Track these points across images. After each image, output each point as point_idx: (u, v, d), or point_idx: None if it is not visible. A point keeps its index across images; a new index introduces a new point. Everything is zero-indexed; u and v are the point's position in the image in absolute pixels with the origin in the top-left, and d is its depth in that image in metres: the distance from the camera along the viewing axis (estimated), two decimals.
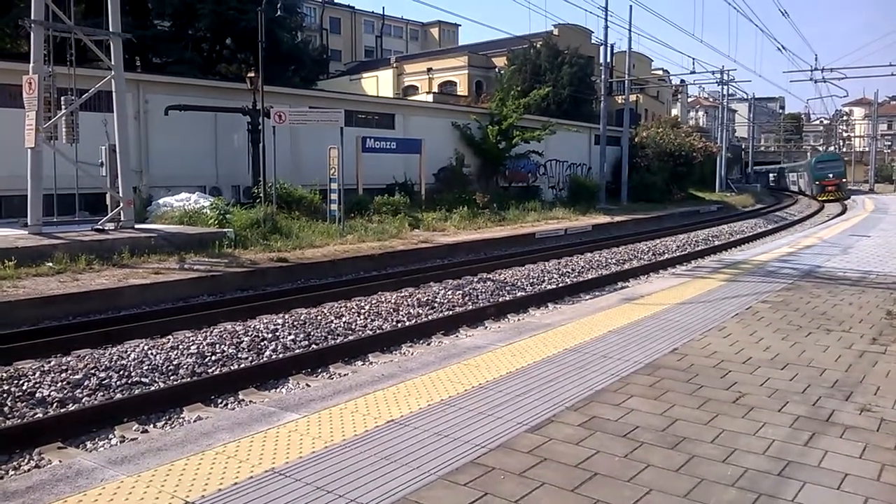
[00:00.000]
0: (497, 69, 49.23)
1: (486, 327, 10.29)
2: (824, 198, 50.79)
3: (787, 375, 5.18)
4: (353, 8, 70.96)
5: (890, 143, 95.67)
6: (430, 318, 10.75)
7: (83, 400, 7.00)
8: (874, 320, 7.12)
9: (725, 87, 55.36)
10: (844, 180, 55.12)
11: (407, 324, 10.34)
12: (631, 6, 60.41)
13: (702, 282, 9.73)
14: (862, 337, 6.40)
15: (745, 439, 3.96)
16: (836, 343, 6.17)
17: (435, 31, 76.80)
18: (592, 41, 50.06)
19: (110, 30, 15.25)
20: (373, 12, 72.56)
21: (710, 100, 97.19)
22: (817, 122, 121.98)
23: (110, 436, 6.18)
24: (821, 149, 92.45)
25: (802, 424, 4.19)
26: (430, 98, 41.46)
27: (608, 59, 37.12)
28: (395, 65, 55.02)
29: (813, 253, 13.09)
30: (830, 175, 53.43)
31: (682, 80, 75.90)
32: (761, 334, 6.51)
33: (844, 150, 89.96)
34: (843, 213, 33.95)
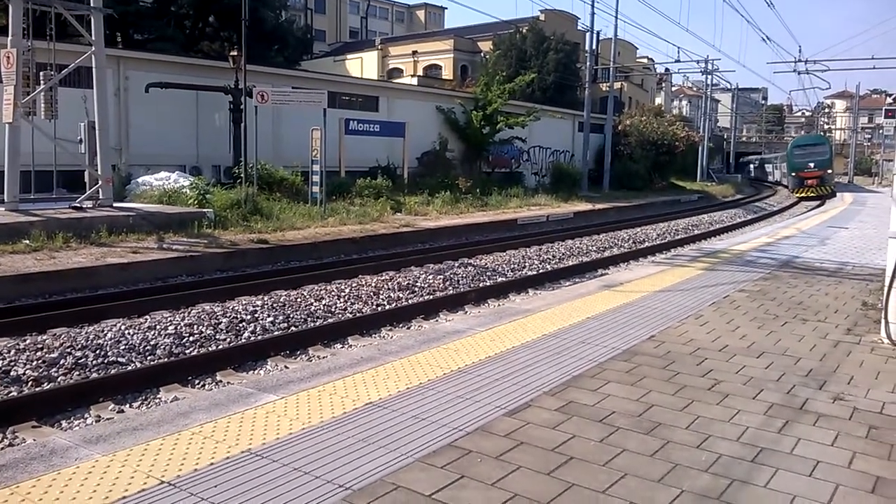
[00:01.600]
0: (483, 54, 49.11)
1: (467, 312, 10.30)
2: (802, 193, 40.81)
3: (762, 364, 5.24)
4: None
5: (870, 135, 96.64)
6: (410, 302, 10.75)
7: (59, 379, 6.94)
8: (849, 311, 7.21)
9: (709, 77, 55.59)
10: (829, 171, 42.45)
11: (387, 307, 10.34)
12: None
13: (681, 270, 9.80)
14: (837, 327, 6.48)
15: (720, 426, 4.00)
16: (812, 333, 6.24)
17: (421, 14, 76.40)
18: (578, 27, 50.07)
19: (91, 4, 15.01)
20: None
21: (694, 89, 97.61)
22: (799, 113, 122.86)
23: (86, 415, 6.13)
24: None
25: (776, 412, 4.24)
26: (414, 81, 41.32)
27: (594, 46, 37.10)
28: (379, 47, 54.71)
29: (791, 243, 13.21)
30: (811, 164, 41.40)
31: (667, 69, 76.11)
32: (738, 323, 6.57)
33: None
34: (821, 204, 33.44)
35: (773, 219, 29.13)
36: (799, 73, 40.95)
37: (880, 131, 69.98)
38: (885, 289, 5.83)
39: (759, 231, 15.91)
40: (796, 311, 7.11)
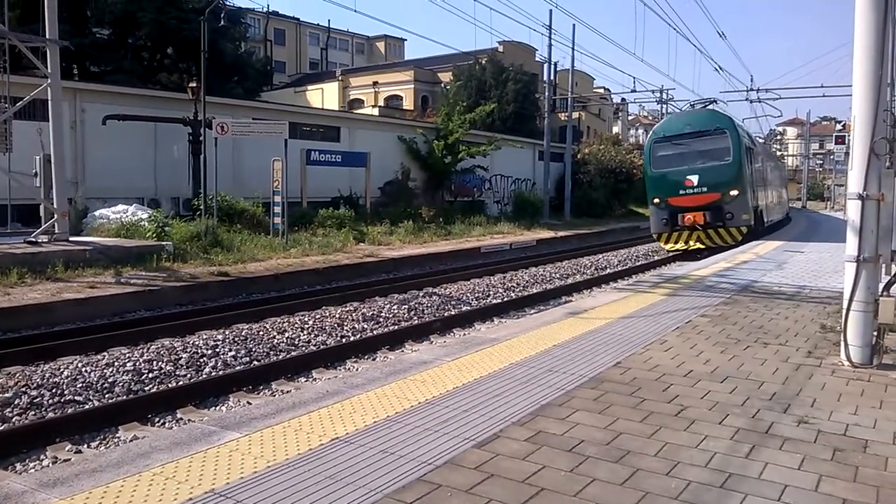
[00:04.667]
0: (443, 84, 49.51)
1: (432, 342, 10.25)
2: (676, 243, 21.24)
3: (726, 388, 5.28)
4: (298, 20, 70.57)
5: (822, 161, 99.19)
6: (375, 332, 10.66)
7: (13, 419, 6.72)
8: (809, 334, 7.32)
9: (664, 106, 56.65)
10: (735, 192, 20.12)
11: (352, 339, 10.24)
12: (574, 25, 61.28)
13: (643, 296, 9.89)
14: (798, 350, 6.57)
15: (688, 452, 4.01)
16: (774, 356, 6.32)
17: (381, 45, 76.91)
18: (536, 58, 50.77)
19: (47, 36, 14.81)
20: (318, 24, 72.25)
21: (650, 118, 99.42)
22: None
23: (42, 457, 5.93)
24: None
25: (743, 437, 4.26)
26: (376, 112, 41.46)
27: (552, 77, 37.65)
28: (340, 78, 54.89)
29: (749, 268, 13.43)
30: (693, 179, 20.37)
31: (623, 99, 77.42)
32: (701, 348, 6.63)
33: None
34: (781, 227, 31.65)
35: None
36: (751, 102, 41.65)
37: (831, 157, 71.84)
38: (844, 311, 5.93)
39: (718, 256, 16.16)
40: (757, 335, 7.20)
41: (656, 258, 22.66)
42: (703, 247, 20.45)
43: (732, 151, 20.20)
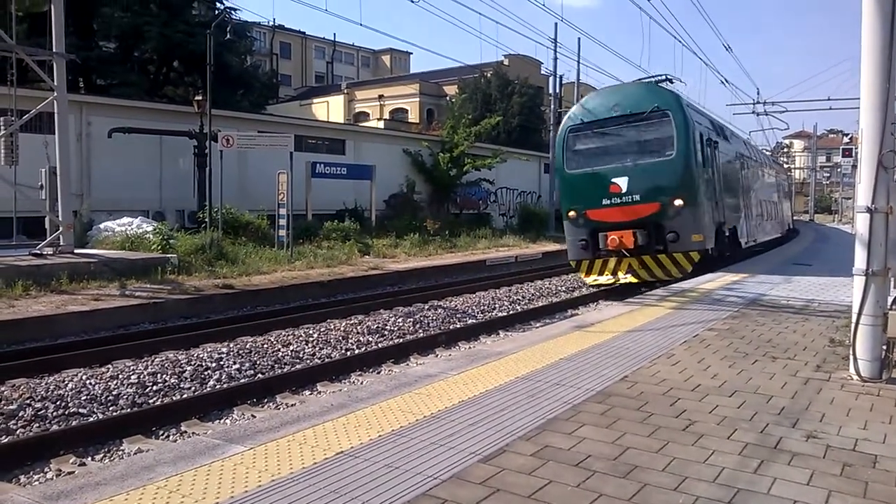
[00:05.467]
0: (448, 97, 49.71)
1: (437, 355, 10.21)
2: (598, 276, 15.52)
3: (735, 403, 5.23)
4: (303, 33, 70.96)
5: (829, 174, 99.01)
6: (380, 346, 10.63)
7: (17, 432, 6.69)
8: (818, 348, 7.27)
9: None
10: (680, 202, 14.27)
11: (356, 352, 10.20)
12: (580, 38, 61.97)
13: (650, 309, 9.84)
14: (806, 364, 6.52)
15: (696, 467, 3.97)
16: (782, 370, 6.27)
17: (386, 59, 77.26)
18: (542, 72, 50.90)
19: (54, 50, 14.90)
20: (324, 38, 72.66)
21: None
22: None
23: (46, 469, 5.90)
24: None
25: (751, 452, 4.22)
26: (381, 125, 41.61)
27: (557, 90, 37.75)
28: (346, 91, 55.11)
29: (757, 281, 13.37)
30: (621, 183, 14.65)
31: None
32: (709, 362, 6.58)
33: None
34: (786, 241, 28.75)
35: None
36: (758, 115, 41.67)
37: (838, 170, 71.75)
38: (852, 325, 5.89)
39: (724, 269, 16.09)
40: (766, 349, 7.15)
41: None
42: (635, 281, 14.86)
43: (678, 142, 14.38)
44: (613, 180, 14.67)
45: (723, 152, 17.51)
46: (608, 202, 14.73)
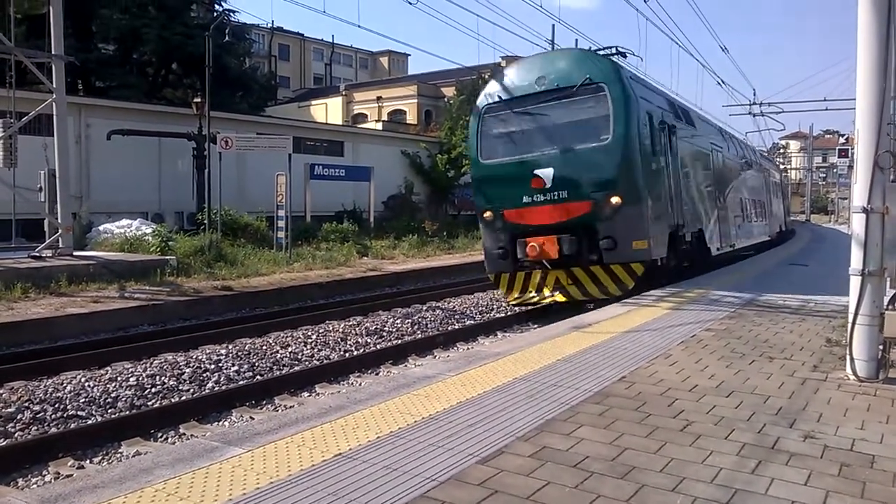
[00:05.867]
0: (446, 99, 49.70)
1: (436, 356, 10.22)
2: (519, 296, 12.75)
3: (732, 403, 5.24)
4: (302, 35, 70.99)
5: (825, 174, 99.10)
6: (378, 347, 10.64)
7: (16, 434, 6.70)
8: (814, 348, 7.28)
9: None
10: (617, 199, 11.56)
11: (355, 353, 10.21)
12: (577, 40, 61.76)
13: (648, 310, 9.85)
14: (803, 364, 6.53)
15: (694, 468, 3.97)
16: (779, 370, 6.28)
17: (384, 60, 77.29)
18: None
19: (52, 52, 14.91)
20: (322, 40, 72.70)
21: None
22: None
23: (44, 472, 5.91)
24: None
25: (749, 452, 4.23)
26: (379, 126, 41.61)
27: None
28: (344, 92, 55.13)
29: (754, 282, 13.38)
30: (544, 175, 11.90)
31: None
32: (706, 362, 6.59)
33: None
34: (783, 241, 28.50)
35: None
36: (754, 116, 41.61)
37: (834, 170, 71.81)
38: (849, 325, 5.90)
39: (720, 269, 16.10)
40: (763, 350, 7.16)
41: None
42: (563, 300, 12.15)
43: (615, 124, 11.63)
44: (536, 172, 11.94)
45: (684, 139, 14.74)
46: (529, 200, 12.03)
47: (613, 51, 13.85)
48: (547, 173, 11.88)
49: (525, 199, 12.07)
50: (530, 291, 12.57)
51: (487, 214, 12.68)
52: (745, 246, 20.14)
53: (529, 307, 12.89)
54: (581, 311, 10.35)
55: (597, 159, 11.75)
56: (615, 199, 11.58)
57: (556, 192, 11.83)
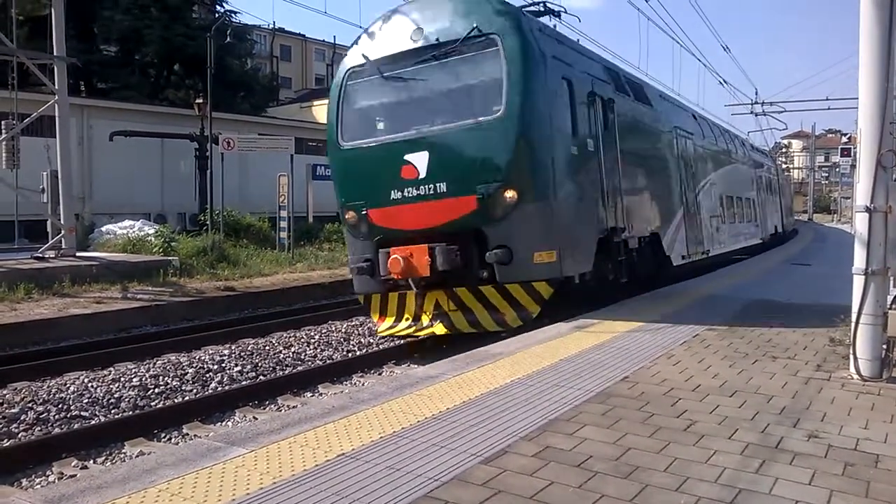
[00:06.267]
0: None
1: (439, 357, 10.19)
2: (395, 327, 9.91)
3: (735, 403, 5.23)
4: (303, 36, 71.01)
5: (827, 174, 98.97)
6: (381, 347, 10.63)
7: (19, 435, 6.71)
8: (818, 347, 7.27)
9: None
10: (512, 194, 8.73)
11: (358, 353, 10.20)
12: (578, 40, 61.70)
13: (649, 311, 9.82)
14: (807, 364, 6.52)
15: (698, 467, 3.97)
16: (782, 370, 6.27)
17: None
18: None
19: (54, 54, 14.93)
20: (324, 41, 72.70)
21: None
22: None
23: (48, 472, 5.91)
24: None
25: (753, 452, 4.22)
26: None
27: None
28: None
29: (756, 282, 13.37)
30: (420, 175, 9.10)
31: None
32: (709, 362, 6.58)
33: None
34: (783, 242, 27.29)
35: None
36: (756, 115, 41.60)
37: (837, 169, 71.71)
38: (852, 325, 5.89)
39: (723, 270, 16.08)
40: (766, 349, 7.15)
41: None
42: (445, 332, 9.45)
43: (510, 91, 8.83)
44: (407, 158, 9.17)
45: (631, 119, 11.89)
46: (399, 196, 9.28)
47: (538, 6, 10.99)
48: (420, 159, 9.11)
49: (394, 196, 9.32)
50: (406, 318, 9.72)
51: (349, 216, 9.90)
52: (726, 251, 17.84)
53: (403, 339, 9.94)
54: (488, 341, 7.91)
55: (486, 139, 8.88)
56: (509, 194, 8.78)
57: (431, 185, 9.08)
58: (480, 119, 8.98)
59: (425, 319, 9.58)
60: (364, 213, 9.67)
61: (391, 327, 9.99)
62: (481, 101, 9.12)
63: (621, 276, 10.90)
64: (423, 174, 9.13)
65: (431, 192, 9.10)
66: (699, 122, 17.77)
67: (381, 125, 9.96)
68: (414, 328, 9.72)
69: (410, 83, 9.56)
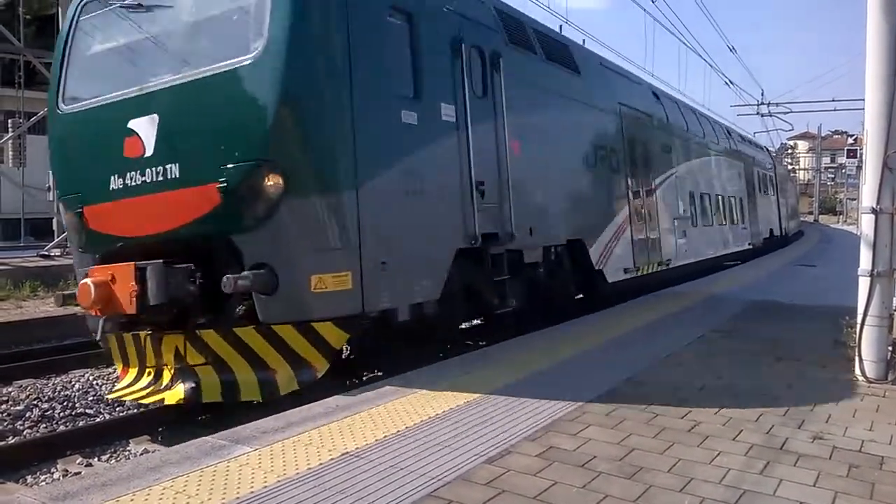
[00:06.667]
0: None
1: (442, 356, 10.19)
2: (134, 388, 6.42)
3: (740, 403, 5.22)
4: None
5: (833, 175, 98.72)
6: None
7: (25, 432, 6.73)
8: (823, 348, 7.25)
9: None
10: (271, 181, 5.57)
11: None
12: (584, 40, 61.49)
13: (653, 311, 9.82)
14: (812, 365, 6.51)
15: (702, 468, 3.96)
16: (787, 371, 6.26)
17: None
18: None
19: None
20: None
21: None
22: None
23: (53, 470, 5.92)
24: None
25: (757, 453, 4.21)
26: None
27: None
28: None
29: (761, 283, 13.34)
30: (145, 152, 6.04)
31: None
32: (714, 362, 6.57)
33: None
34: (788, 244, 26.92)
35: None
36: (762, 116, 41.45)
37: (843, 170, 71.52)
38: (858, 326, 5.88)
39: (727, 272, 16.08)
40: (770, 350, 7.14)
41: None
42: (180, 399, 6.19)
43: (274, 12, 5.81)
44: (131, 126, 6.29)
45: (525, 81, 8.84)
46: (119, 184, 6.37)
47: None
48: (147, 128, 6.20)
49: (114, 185, 6.39)
50: (149, 373, 6.55)
51: (66, 217, 7.02)
52: (701, 260, 15.39)
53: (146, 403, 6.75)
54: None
55: (238, 94, 5.93)
56: (271, 181, 5.75)
57: (160, 168, 6.11)
58: (232, 61, 5.90)
59: (167, 376, 6.38)
60: (80, 211, 6.68)
61: (128, 386, 6.66)
62: (235, 34, 6.15)
63: (505, 302, 8.15)
64: (149, 150, 6.15)
65: (160, 178, 6.09)
66: (662, 101, 14.87)
67: (107, 79, 6.83)
68: (152, 389, 6.47)
69: (150, 15, 6.63)
